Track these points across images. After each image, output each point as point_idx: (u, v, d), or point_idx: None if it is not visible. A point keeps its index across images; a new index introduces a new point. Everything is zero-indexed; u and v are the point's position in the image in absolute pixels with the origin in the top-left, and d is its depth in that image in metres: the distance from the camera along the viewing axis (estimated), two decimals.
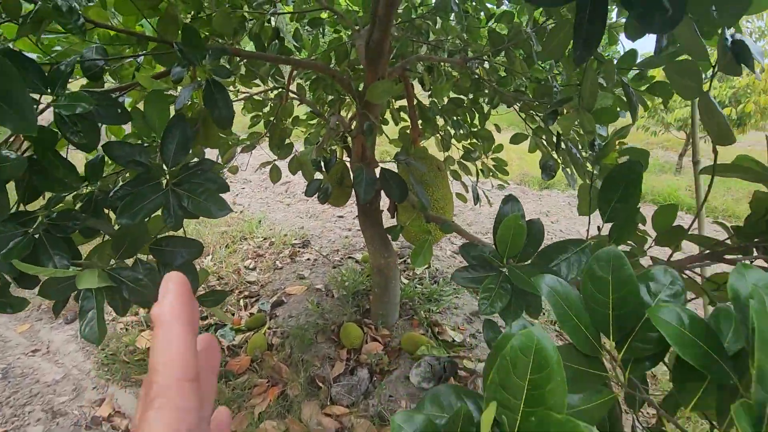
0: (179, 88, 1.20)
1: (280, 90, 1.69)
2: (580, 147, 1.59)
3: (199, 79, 1.18)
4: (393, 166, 1.34)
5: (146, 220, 0.98)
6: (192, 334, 0.22)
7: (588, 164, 0.98)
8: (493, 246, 0.83)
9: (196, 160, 0.99)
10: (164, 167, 0.96)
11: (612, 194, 0.77)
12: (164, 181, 0.96)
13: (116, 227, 0.93)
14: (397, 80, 2.01)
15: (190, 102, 1.34)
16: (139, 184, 0.94)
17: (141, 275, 1.01)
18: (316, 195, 1.34)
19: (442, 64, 1.80)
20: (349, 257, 2.67)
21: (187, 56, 1.04)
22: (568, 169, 1.54)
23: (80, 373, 1.68)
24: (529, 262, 0.78)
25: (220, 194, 0.98)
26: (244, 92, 1.87)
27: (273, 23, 1.75)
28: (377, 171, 1.22)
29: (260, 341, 1.75)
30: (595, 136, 1.02)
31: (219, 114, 1.06)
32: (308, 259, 2.63)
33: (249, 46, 1.78)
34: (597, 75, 1.03)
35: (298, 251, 2.73)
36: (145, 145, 1.21)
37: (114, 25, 1.15)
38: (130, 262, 0.97)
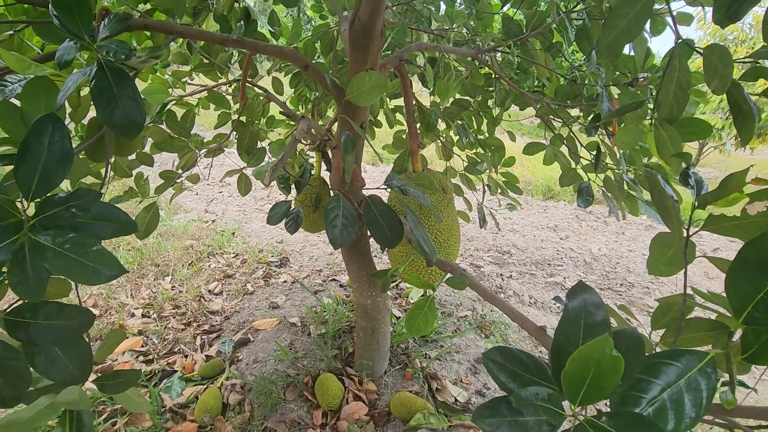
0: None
1: (237, 83, 1.33)
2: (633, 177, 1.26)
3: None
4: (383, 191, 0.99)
5: None
6: None
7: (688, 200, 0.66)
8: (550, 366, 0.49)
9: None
10: (20, 202, 0.61)
11: (759, 279, 0.44)
12: (22, 223, 0.61)
13: None
14: (392, 75, 1.67)
15: None
16: None
17: None
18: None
19: (448, 55, 1.45)
20: (333, 279, 2.31)
21: (67, 26, 0.68)
22: (610, 195, 1.20)
23: None
24: (608, 401, 0.44)
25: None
26: (202, 85, 1.51)
27: (242, 3, 1.40)
28: (364, 191, 0.87)
29: (212, 401, 1.38)
30: (690, 162, 0.68)
31: (121, 115, 0.70)
32: (285, 281, 2.26)
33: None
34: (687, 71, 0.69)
35: (274, 272, 2.36)
36: None
37: None
38: None
